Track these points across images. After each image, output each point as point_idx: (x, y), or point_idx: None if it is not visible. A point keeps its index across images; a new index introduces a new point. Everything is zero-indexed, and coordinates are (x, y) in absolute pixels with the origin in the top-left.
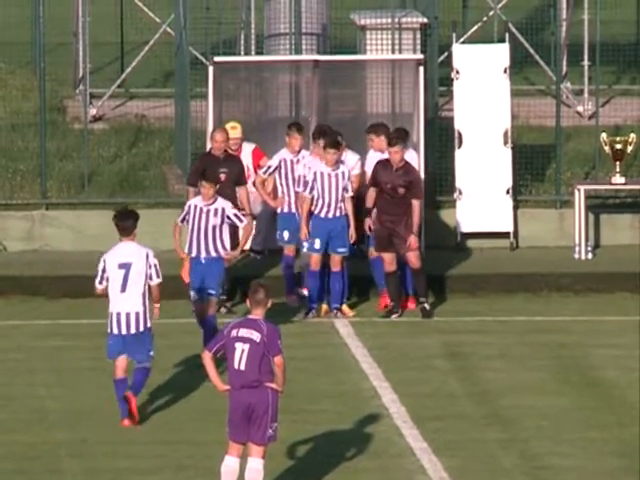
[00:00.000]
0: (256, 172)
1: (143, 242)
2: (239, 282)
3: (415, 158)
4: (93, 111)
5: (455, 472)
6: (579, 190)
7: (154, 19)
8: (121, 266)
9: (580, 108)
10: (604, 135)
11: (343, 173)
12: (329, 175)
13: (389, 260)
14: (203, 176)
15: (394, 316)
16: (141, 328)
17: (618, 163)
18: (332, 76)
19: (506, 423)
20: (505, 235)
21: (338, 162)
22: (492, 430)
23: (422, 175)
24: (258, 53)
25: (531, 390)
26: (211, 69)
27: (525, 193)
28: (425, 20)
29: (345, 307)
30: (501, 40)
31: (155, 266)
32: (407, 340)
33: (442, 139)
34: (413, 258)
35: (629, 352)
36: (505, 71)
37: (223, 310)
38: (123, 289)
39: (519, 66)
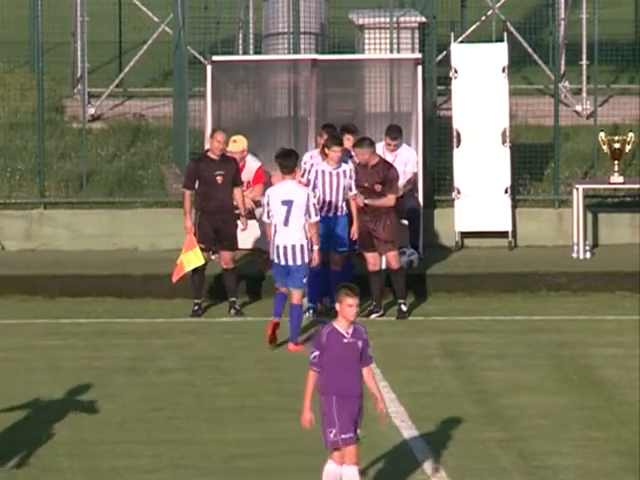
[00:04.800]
0: (253, 187)
1: (141, 242)
2: (248, 281)
3: (413, 156)
4: (91, 110)
5: (454, 471)
6: (577, 189)
7: (152, 18)
8: (284, 202)
9: (578, 107)
10: (602, 134)
11: (345, 172)
12: (330, 174)
13: (372, 260)
14: (199, 178)
15: (374, 316)
16: (305, 259)
17: (616, 162)
18: (330, 75)
19: (505, 422)
20: (503, 234)
21: (341, 160)
22: (491, 429)
23: (420, 174)
24: (256, 52)
25: (530, 389)
26: (209, 68)
27: (523, 192)
28: (423, 19)
29: None
30: (499, 39)
31: (314, 205)
32: (405, 339)
33: (440, 138)
34: (392, 259)
35: (628, 351)
36: (503, 70)
37: (232, 311)
38: (285, 223)
39: (517, 65)
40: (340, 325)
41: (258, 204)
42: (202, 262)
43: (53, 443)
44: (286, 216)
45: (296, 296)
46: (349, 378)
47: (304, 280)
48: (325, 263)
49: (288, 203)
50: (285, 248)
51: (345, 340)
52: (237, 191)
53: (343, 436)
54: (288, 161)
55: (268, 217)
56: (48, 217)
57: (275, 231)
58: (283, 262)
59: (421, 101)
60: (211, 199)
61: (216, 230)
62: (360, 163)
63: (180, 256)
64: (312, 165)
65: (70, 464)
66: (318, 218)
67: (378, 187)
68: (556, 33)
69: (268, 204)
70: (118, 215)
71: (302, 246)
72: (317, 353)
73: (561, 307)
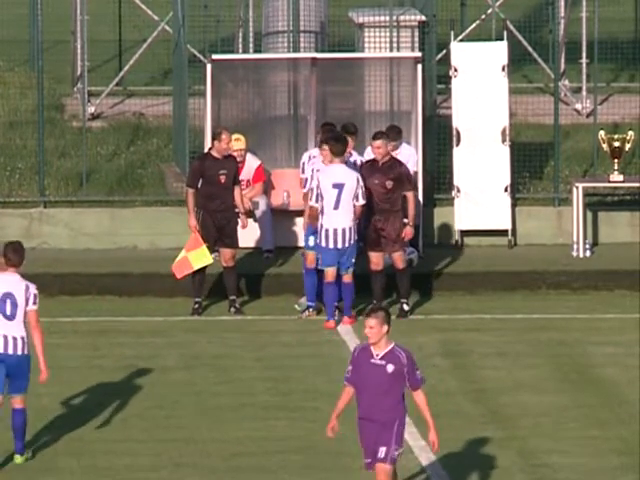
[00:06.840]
0: (253, 186)
1: (141, 240)
2: (248, 280)
3: (413, 154)
4: (91, 109)
5: (454, 470)
6: (577, 188)
7: (152, 17)
8: (335, 186)
9: (578, 106)
10: (602, 133)
11: None
12: None
13: (375, 260)
14: (203, 177)
15: None
16: (352, 241)
17: (616, 161)
18: (330, 74)
19: (504, 421)
20: (503, 233)
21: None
22: (490, 428)
23: (420, 173)
24: (256, 51)
25: (529, 388)
26: (209, 67)
27: (523, 191)
28: (423, 18)
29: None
30: (499, 38)
31: (362, 188)
32: (405, 338)
33: (440, 137)
34: (398, 259)
35: (628, 350)
36: (503, 69)
37: (232, 310)
38: (336, 207)
39: (517, 64)
40: (372, 345)
41: (257, 205)
42: (211, 261)
43: (52, 442)
44: (337, 199)
45: (348, 275)
46: (370, 401)
47: (353, 260)
48: None
49: (339, 186)
50: (335, 231)
51: (372, 360)
52: (236, 190)
53: (364, 460)
54: (339, 144)
55: (317, 201)
56: (48, 216)
57: (323, 215)
58: (332, 245)
59: (421, 100)
60: (214, 198)
61: (218, 228)
62: (374, 159)
63: (182, 253)
64: (311, 165)
65: (69, 463)
66: (364, 201)
67: (390, 184)
68: (556, 31)
69: (318, 187)
70: (118, 214)
71: (351, 228)
72: (350, 368)
73: (561, 305)
